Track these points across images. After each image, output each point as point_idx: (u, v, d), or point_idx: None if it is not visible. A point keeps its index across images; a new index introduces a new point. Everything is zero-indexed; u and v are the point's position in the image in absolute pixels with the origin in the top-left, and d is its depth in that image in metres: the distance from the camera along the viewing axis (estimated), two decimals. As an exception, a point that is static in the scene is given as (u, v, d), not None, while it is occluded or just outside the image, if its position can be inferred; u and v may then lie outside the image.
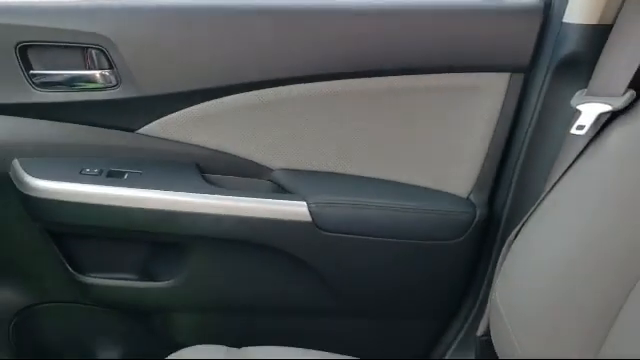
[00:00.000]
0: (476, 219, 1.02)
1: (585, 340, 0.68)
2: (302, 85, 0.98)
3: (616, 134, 0.76)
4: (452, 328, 1.13)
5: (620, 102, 0.77)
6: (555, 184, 0.81)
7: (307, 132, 1.02)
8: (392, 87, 0.99)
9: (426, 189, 1.05)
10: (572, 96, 0.85)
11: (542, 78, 0.97)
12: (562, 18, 0.92)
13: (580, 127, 0.81)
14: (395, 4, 1.04)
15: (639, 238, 0.65)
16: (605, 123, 0.78)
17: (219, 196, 0.98)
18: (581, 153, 0.80)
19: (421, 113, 1.01)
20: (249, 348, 0.89)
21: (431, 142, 1.03)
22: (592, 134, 0.80)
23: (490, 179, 1.04)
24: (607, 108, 0.79)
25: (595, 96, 0.83)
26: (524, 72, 0.98)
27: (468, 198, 1.04)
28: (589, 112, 0.81)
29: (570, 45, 0.92)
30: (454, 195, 1.04)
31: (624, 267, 0.66)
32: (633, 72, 0.79)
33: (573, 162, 0.80)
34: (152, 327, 1.15)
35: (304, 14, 0.99)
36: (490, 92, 0.99)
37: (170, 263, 1.06)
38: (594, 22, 0.88)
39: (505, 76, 0.98)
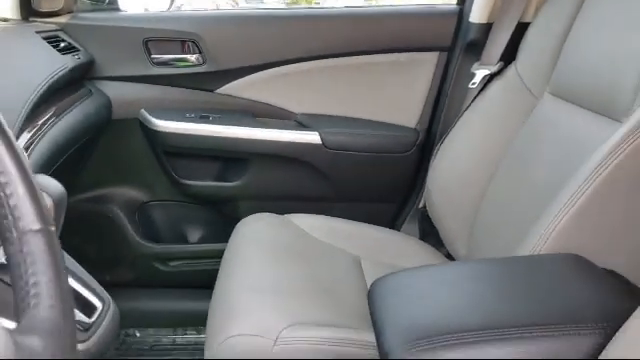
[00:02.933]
0: (419, 140, 1.27)
1: (472, 198, 1.01)
2: (312, 62, 1.25)
3: (490, 88, 1.07)
4: (406, 208, 1.34)
5: (494, 69, 1.08)
6: (460, 116, 1.11)
7: (317, 90, 1.28)
8: (365, 62, 1.25)
9: (388, 123, 1.29)
10: (472, 65, 1.15)
11: (457, 55, 1.24)
12: (469, 18, 1.20)
13: (473, 84, 1.12)
14: (363, 10, 1.29)
15: (496, 144, 0.98)
16: (487, 81, 1.09)
17: (266, 129, 1.23)
18: (474, 99, 1.10)
19: (384, 77, 1.27)
20: (288, 215, 1.11)
21: (391, 95, 1.28)
22: (480, 87, 1.10)
23: (428, 116, 1.29)
24: (487, 72, 1.09)
25: (483, 65, 1.13)
26: (447, 51, 1.25)
27: (414, 128, 1.29)
28: (479, 75, 1.11)
29: (472, 35, 1.19)
30: (405, 126, 1.29)
31: (492, 161, 0.98)
32: (502, 50, 1.08)
33: (470, 104, 1.11)
34: (225, 212, 1.33)
35: (308, 18, 1.27)
36: (425, 64, 1.26)
37: (237, 170, 1.28)
38: (484, 21, 1.16)
39: (435, 54, 1.25)
